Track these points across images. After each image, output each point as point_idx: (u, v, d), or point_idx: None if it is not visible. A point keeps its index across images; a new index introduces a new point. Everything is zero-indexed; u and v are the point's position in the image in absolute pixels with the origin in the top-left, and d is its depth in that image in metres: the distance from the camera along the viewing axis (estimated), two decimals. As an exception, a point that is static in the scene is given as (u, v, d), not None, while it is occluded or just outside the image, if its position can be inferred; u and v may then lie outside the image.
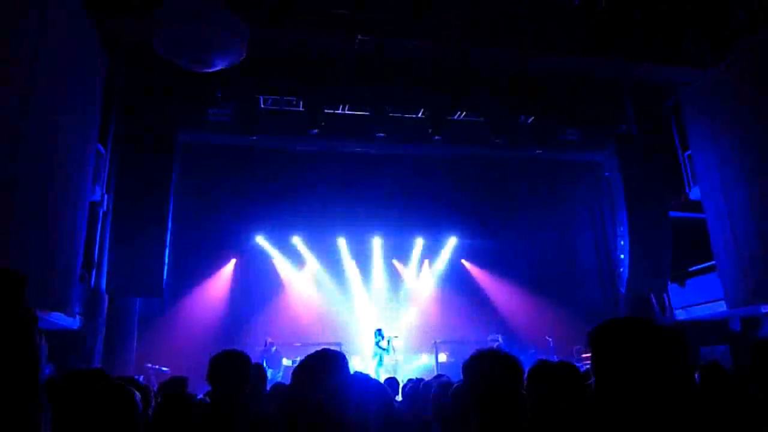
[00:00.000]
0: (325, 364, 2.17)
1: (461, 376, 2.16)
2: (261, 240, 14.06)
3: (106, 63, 10.08)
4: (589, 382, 1.41)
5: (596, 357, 1.38)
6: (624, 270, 12.08)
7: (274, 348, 11.93)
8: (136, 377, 8.68)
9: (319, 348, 2.53)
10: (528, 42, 10.90)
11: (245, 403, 2.78)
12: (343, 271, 14.52)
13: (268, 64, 10.89)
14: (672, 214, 12.60)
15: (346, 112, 12.26)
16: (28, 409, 0.97)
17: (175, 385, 5.11)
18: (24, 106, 6.82)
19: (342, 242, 14.50)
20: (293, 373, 2.26)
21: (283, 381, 7.87)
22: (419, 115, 12.39)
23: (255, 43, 8.46)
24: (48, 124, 7.61)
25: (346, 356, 2.46)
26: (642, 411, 1.25)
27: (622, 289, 12.34)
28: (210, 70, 8.49)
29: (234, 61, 8.33)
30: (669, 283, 12.64)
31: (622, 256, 12.21)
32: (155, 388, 5.48)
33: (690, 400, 1.29)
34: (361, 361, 12.52)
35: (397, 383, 5.96)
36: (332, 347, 2.46)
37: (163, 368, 10.70)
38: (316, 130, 11.55)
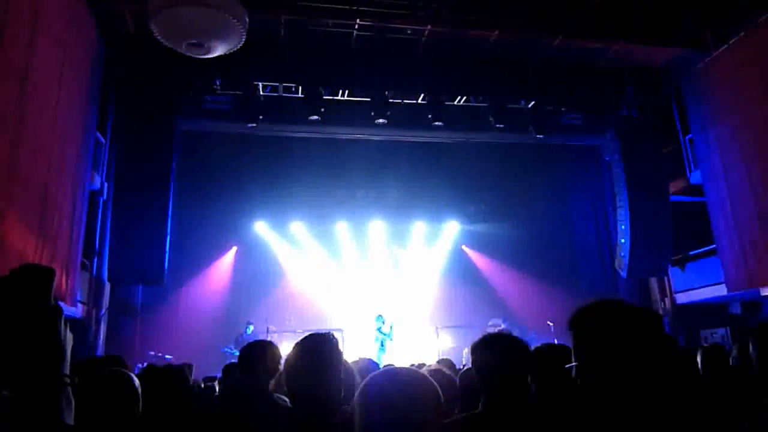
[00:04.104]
0: (316, 351, 2.14)
1: (463, 361, 2.16)
2: (261, 227, 14.07)
3: (104, 50, 10.03)
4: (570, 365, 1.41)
5: (577, 340, 1.39)
6: (624, 254, 12.10)
7: (251, 328, 11.82)
8: (140, 365, 8.74)
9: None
10: (528, 25, 10.82)
11: (269, 393, 2.81)
12: (344, 257, 14.55)
13: (267, 50, 10.81)
14: (672, 198, 12.59)
15: (346, 98, 12.20)
16: (53, 400, 0.99)
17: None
18: (22, 95, 6.78)
19: (342, 228, 14.51)
20: (285, 363, 2.24)
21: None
22: (419, 100, 12.33)
23: (254, 29, 8.39)
24: (46, 112, 7.58)
25: (346, 341, 2.43)
26: (620, 394, 1.26)
27: (623, 274, 12.37)
28: (209, 56, 8.43)
29: (233, 47, 8.27)
30: (669, 266, 12.67)
31: (622, 241, 12.22)
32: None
33: (671, 383, 1.29)
34: (363, 347, 12.57)
35: None
36: (333, 333, 2.44)
37: (167, 356, 10.76)
38: (315, 117, 11.49)
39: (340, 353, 2.19)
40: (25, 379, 1.00)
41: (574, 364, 1.36)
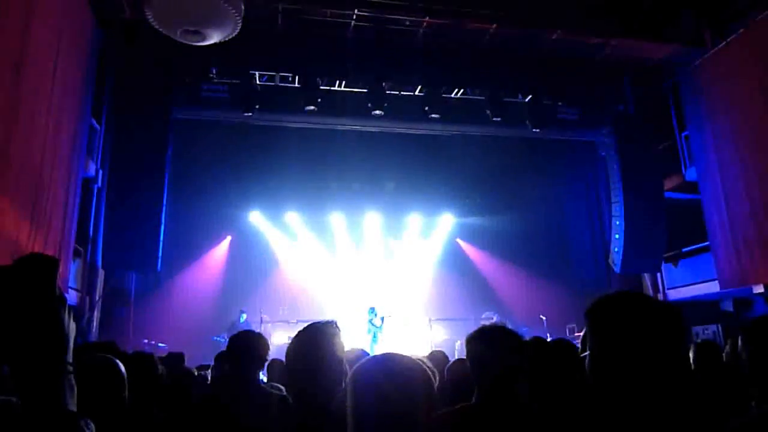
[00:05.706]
0: (318, 340, 2.11)
1: (456, 353, 2.17)
2: (256, 217, 14.04)
3: (100, 37, 9.93)
4: (583, 355, 1.39)
5: (593, 331, 1.37)
6: (618, 250, 12.13)
7: (244, 317, 11.81)
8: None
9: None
10: (526, 19, 10.78)
11: (259, 382, 2.82)
12: (338, 248, 14.55)
13: (264, 39, 10.74)
14: (667, 194, 12.62)
15: (343, 88, 12.14)
16: (58, 389, 1.02)
17: (174, 361, 5.15)
18: (16, 81, 6.72)
19: (337, 219, 14.50)
20: (286, 351, 2.21)
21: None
22: (417, 92, 12.28)
23: (250, 17, 8.33)
24: (40, 98, 7.51)
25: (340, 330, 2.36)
26: (639, 388, 1.25)
27: (616, 269, 12.41)
28: (205, 44, 8.37)
29: (229, 35, 8.22)
30: (663, 263, 12.71)
31: (616, 236, 12.25)
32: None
33: (688, 379, 1.28)
34: (356, 338, 12.60)
35: None
36: (336, 322, 2.39)
37: (161, 344, 10.75)
38: (312, 107, 11.43)
39: (341, 343, 2.16)
40: (29, 368, 1.03)
41: (586, 354, 1.36)
